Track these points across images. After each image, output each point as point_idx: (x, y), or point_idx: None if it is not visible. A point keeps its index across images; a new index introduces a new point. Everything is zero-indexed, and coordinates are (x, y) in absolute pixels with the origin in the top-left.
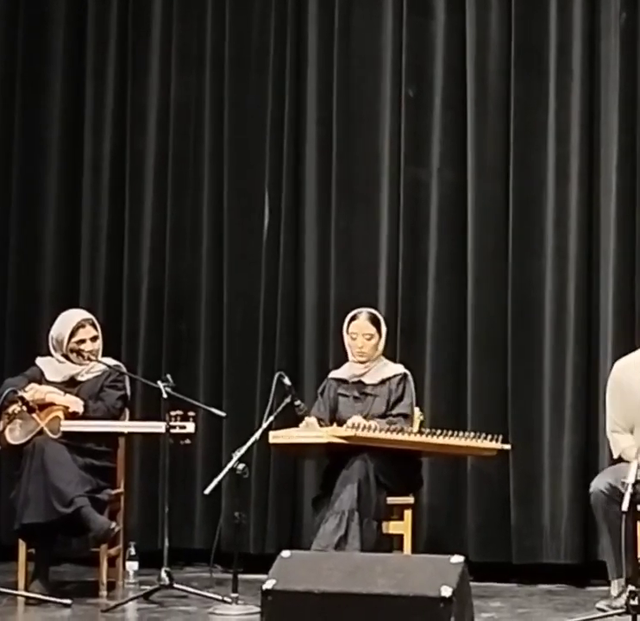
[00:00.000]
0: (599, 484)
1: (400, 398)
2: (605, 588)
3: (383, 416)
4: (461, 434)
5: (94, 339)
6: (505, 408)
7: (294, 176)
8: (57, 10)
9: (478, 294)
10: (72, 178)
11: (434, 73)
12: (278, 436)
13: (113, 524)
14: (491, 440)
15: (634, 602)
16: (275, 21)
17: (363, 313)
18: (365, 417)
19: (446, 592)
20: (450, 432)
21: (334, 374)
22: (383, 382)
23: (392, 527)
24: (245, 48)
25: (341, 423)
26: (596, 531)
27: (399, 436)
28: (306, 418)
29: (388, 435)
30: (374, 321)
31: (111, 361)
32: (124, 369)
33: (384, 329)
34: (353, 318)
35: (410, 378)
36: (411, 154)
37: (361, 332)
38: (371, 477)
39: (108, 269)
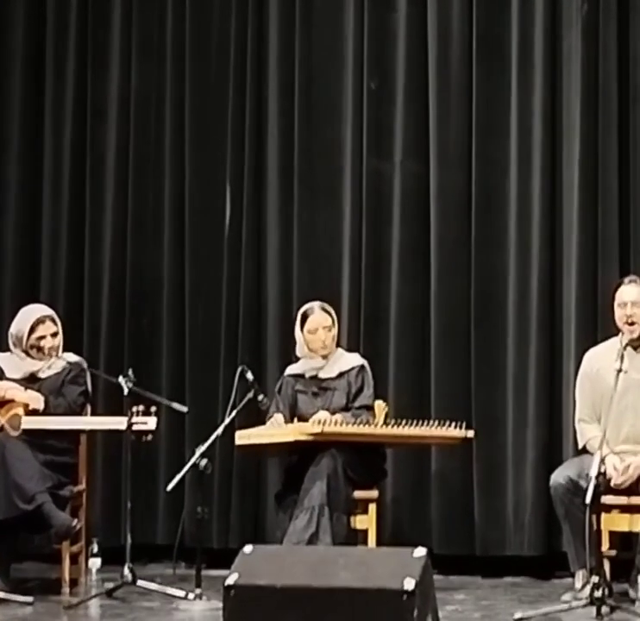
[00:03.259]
0: (558, 477)
1: (360, 390)
2: (570, 580)
3: (345, 409)
4: (425, 423)
5: (54, 335)
6: (469, 399)
7: (256, 168)
8: (16, 0)
9: (441, 285)
10: (32, 171)
11: (396, 65)
12: (244, 437)
13: (74, 521)
14: (455, 427)
15: (597, 593)
16: (236, 12)
17: (316, 307)
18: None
19: (409, 584)
20: (415, 422)
21: (290, 370)
22: (341, 375)
23: (356, 521)
24: (206, 39)
25: (301, 419)
26: (559, 523)
27: (366, 429)
28: (275, 415)
29: (355, 429)
30: (327, 312)
31: (72, 357)
32: (85, 365)
33: (334, 316)
34: (307, 314)
35: (367, 368)
36: (374, 146)
37: (321, 325)
38: (339, 471)
39: (68, 264)
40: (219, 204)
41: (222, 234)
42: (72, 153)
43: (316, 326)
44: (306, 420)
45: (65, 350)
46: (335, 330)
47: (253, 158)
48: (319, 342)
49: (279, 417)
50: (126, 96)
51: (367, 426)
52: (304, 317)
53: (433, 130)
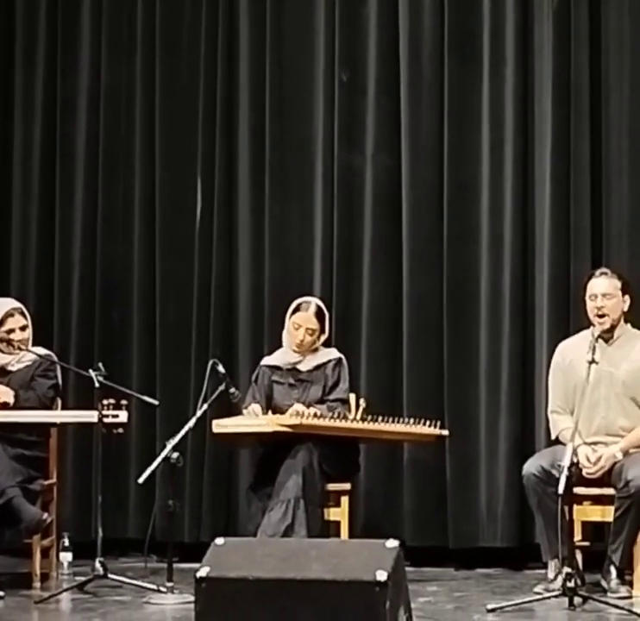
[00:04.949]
0: (530, 467)
1: (336, 384)
2: (542, 571)
3: (320, 401)
4: (401, 420)
5: (23, 328)
6: (442, 393)
7: (227, 162)
8: None
9: (413, 280)
10: (2, 165)
11: (367, 58)
12: (221, 425)
13: (45, 515)
14: (430, 426)
15: (570, 584)
16: (207, 5)
17: (311, 306)
18: (302, 404)
19: (381, 576)
20: (391, 419)
21: (266, 361)
22: (318, 368)
23: (329, 513)
24: (176, 33)
25: (276, 410)
26: (532, 514)
27: (344, 424)
28: (252, 405)
29: (333, 423)
30: (320, 315)
31: (42, 351)
32: (55, 358)
33: (327, 323)
34: (299, 308)
35: (344, 362)
36: (345, 140)
37: (305, 325)
38: (315, 465)
39: (39, 257)
40: (190, 199)
41: (194, 228)
42: (41, 148)
43: (302, 324)
44: (281, 412)
45: (34, 344)
46: (318, 335)
47: (224, 152)
48: (296, 340)
49: (256, 407)
50: (96, 90)
51: (344, 420)
52: (295, 310)
53: (404, 123)
